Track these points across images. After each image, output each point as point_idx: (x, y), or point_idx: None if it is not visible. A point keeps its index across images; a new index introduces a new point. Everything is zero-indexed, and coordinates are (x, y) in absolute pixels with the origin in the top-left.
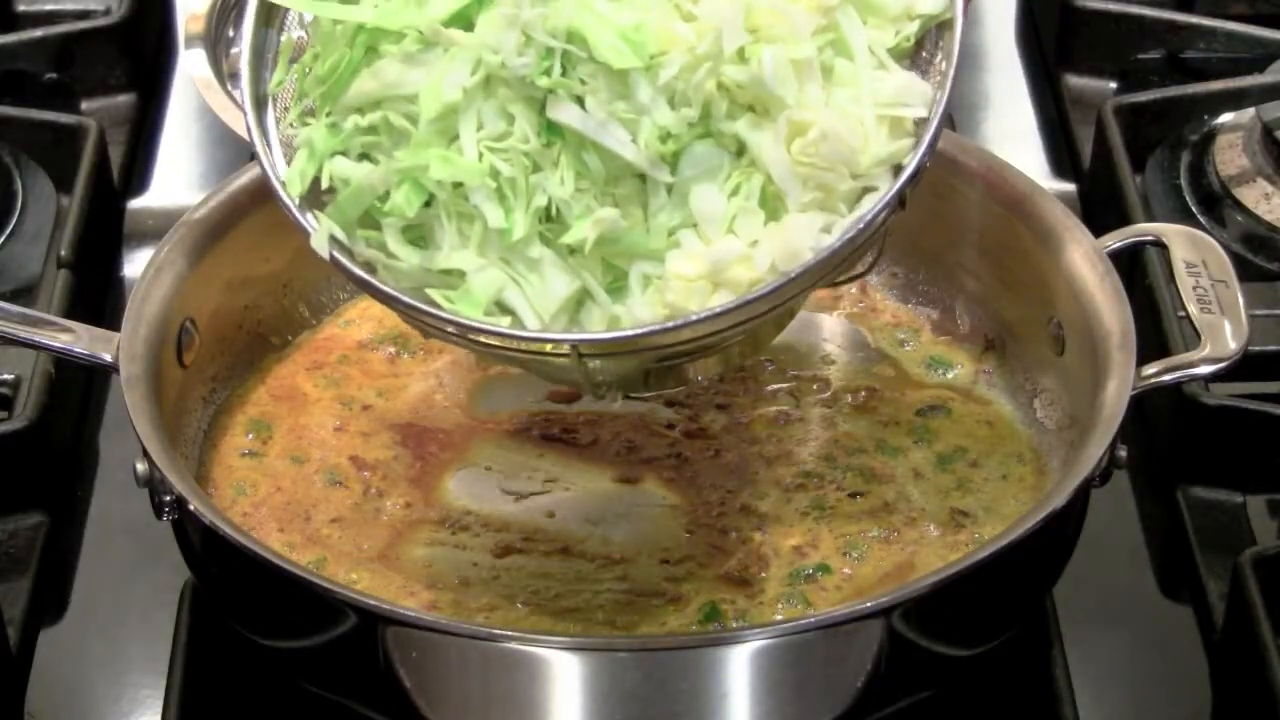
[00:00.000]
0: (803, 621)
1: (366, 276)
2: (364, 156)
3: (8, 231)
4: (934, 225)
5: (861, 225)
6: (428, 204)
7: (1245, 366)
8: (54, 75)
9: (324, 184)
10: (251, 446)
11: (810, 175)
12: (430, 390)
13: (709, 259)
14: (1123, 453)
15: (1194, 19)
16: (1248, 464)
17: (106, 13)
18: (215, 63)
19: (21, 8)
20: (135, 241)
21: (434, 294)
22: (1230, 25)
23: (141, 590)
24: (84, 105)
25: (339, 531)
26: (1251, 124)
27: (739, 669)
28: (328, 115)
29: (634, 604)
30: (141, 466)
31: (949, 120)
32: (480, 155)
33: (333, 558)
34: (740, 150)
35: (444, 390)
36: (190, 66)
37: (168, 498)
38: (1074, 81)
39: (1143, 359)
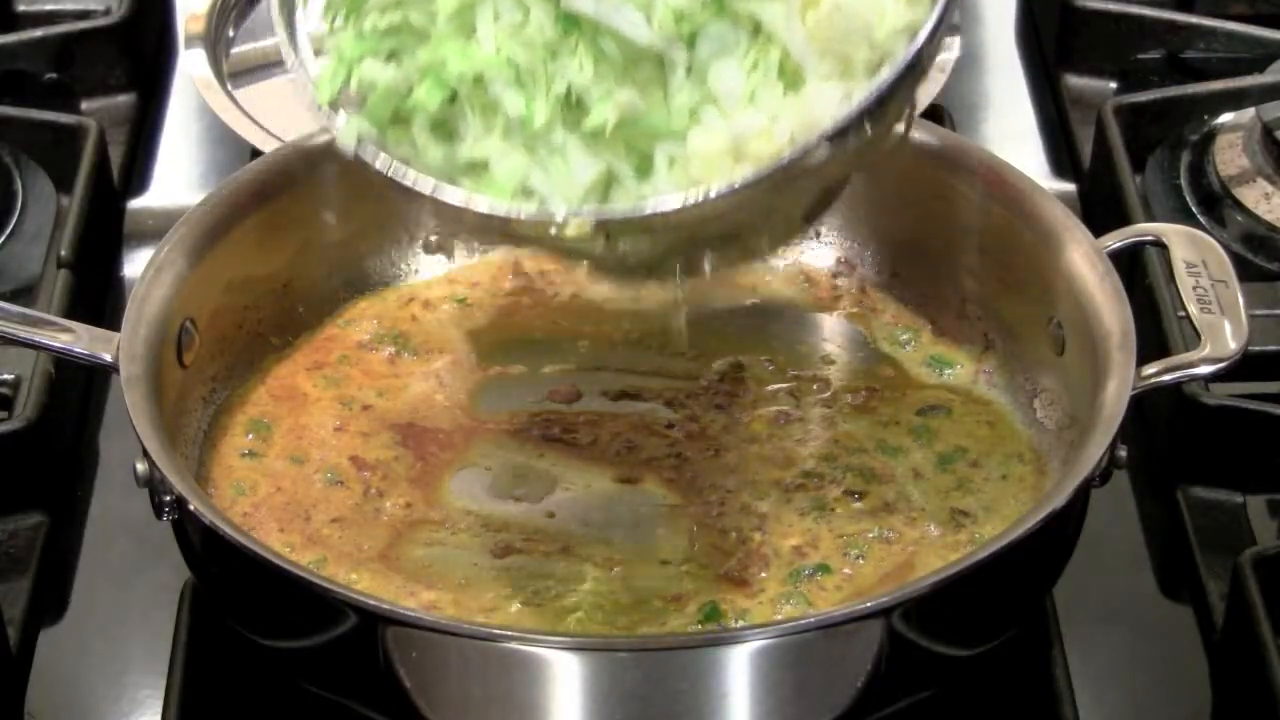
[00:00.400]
0: (803, 621)
1: (391, 173)
2: (391, 59)
3: (8, 231)
4: (934, 225)
5: (881, 91)
6: (453, 100)
7: (1245, 366)
8: (54, 75)
9: (353, 88)
10: (251, 446)
11: (827, 47)
12: (430, 390)
13: (729, 133)
14: (1123, 453)
15: (1194, 19)
16: (1248, 464)
17: (106, 13)
18: (215, 63)
19: (21, 8)
20: (135, 241)
21: (463, 181)
22: (1230, 25)
23: (141, 590)
24: (84, 105)
25: (339, 531)
26: (1251, 124)
27: (739, 669)
28: (354, 24)
29: (634, 604)
30: (141, 466)
31: (949, 120)
32: (498, 47)
33: (333, 558)
34: (756, 29)
35: (444, 390)
36: (190, 66)
37: (168, 498)
38: (1074, 81)
39: (1143, 359)
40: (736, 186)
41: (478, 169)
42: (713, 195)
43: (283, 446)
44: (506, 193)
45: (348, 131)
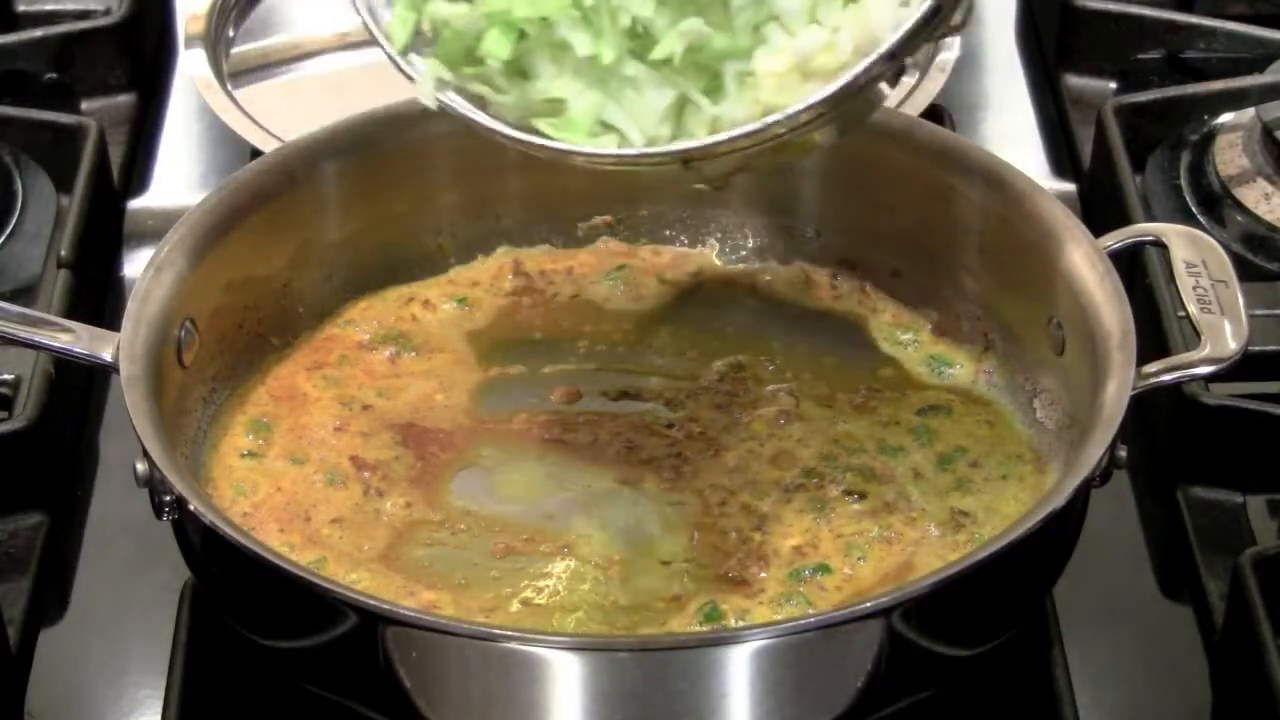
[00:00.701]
0: (803, 621)
1: (475, 118)
2: None
3: (8, 231)
4: (934, 225)
5: None
6: (523, 37)
7: (1245, 366)
8: (54, 75)
9: (426, 28)
10: (251, 446)
11: None
12: (430, 390)
13: (794, 52)
14: (1123, 453)
15: (1194, 19)
16: (1248, 464)
17: (106, 13)
18: (215, 63)
19: (21, 8)
20: (135, 241)
21: (540, 123)
22: (1230, 25)
23: (141, 590)
24: (84, 105)
25: (339, 531)
26: (1251, 124)
27: (739, 669)
28: None
29: (634, 604)
30: (141, 466)
31: (949, 120)
32: None
33: (333, 558)
34: None
35: (444, 390)
36: (190, 66)
37: (168, 498)
38: (1074, 81)
39: (1143, 359)
40: (809, 107)
41: (554, 105)
42: (785, 118)
43: (283, 446)
44: (584, 129)
45: (425, 85)
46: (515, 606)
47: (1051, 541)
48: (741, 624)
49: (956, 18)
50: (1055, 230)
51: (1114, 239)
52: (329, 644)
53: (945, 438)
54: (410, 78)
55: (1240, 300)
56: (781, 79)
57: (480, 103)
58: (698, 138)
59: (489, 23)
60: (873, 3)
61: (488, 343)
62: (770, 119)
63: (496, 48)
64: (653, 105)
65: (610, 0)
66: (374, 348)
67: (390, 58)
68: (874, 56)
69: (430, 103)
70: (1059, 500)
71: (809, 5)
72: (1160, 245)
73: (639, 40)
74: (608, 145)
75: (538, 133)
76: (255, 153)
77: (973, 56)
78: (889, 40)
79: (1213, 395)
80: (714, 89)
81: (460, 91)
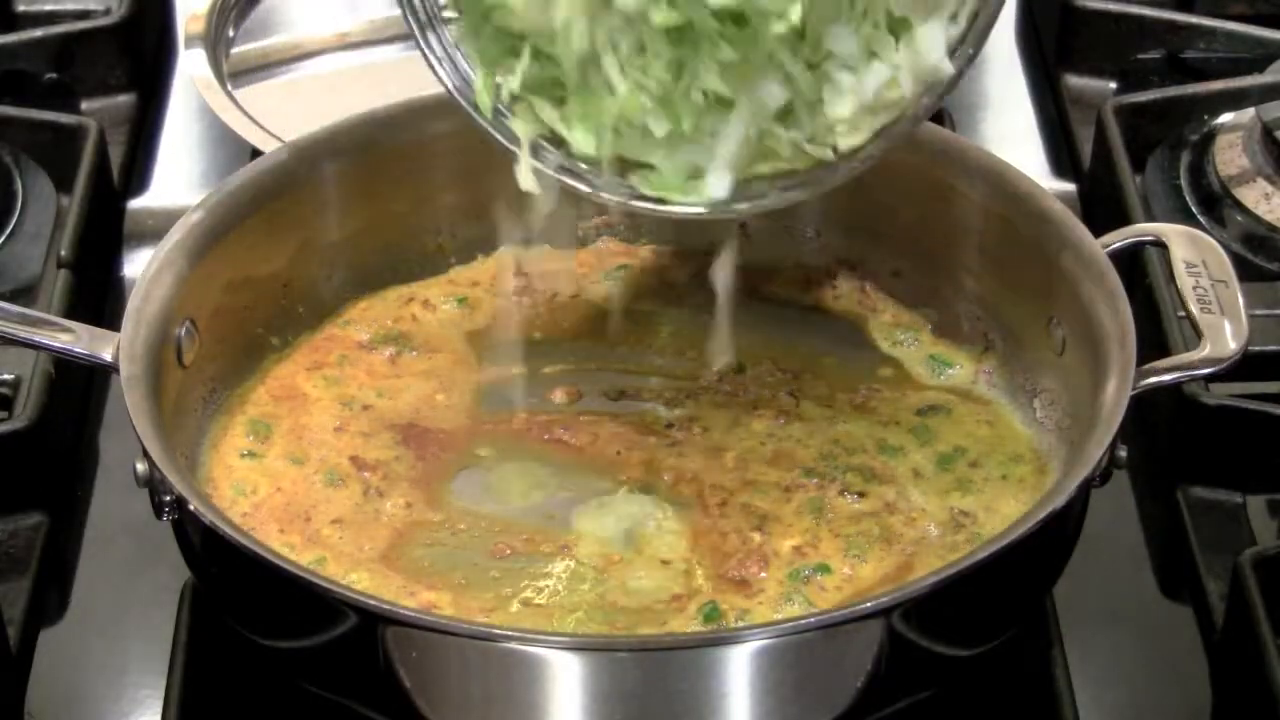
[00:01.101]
0: (803, 621)
1: (576, 186)
2: (536, 59)
3: (8, 231)
4: (934, 225)
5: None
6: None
7: (1245, 366)
8: (54, 75)
9: (504, 95)
10: (251, 447)
11: None
12: (430, 390)
13: (859, 97)
14: (1123, 453)
15: (1194, 19)
16: (1248, 464)
17: (106, 13)
18: (215, 63)
19: (21, 8)
20: (135, 241)
21: (636, 179)
22: (1230, 25)
23: (141, 590)
24: (84, 105)
25: (339, 532)
26: (1251, 124)
27: (739, 669)
28: (480, 29)
29: (634, 604)
30: (141, 466)
31: (949, 120)
32: (630, 85)
33: (333, 558)
34: None
35: (444, 390)
36: (190, 66)
37: (168, 498)
38: (1074, 81)
39: (1143, 359)
40: (886, 149)
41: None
42: (864, 165)
43: (283, 447)
44: (678, 186)
45: (524, 173)
46: (515, 606)
47: (1051, 541)
48: (741, 624)
49: None
50: (1055, 230)
51: (1114, 239)
52: (329, 644)
53: (945, 438)
54: (509, 150)
55: (1240, 300)
56: (851, 121)
57: (568, 154)
58: (782, 158)
59: (573, 121)
60: (924, 32)
61: (488, 343)
62: (854, 167)
63: (586, 144)
64: (734, 144)
65: (680, 83)
66: (374, 348)
67: (484, 129)
68: (943, 88)
69: (532, 187)
70: (1059, 500)
71: (865, 45)
72: (1160, 245)
73: (711, 101)
74: (701, 196)
75: (634, 189)
76: (255, 153)
77: None
78: (954, 69)
79: (1213, 395)
80: (786, 113)
81: (551, 139)
